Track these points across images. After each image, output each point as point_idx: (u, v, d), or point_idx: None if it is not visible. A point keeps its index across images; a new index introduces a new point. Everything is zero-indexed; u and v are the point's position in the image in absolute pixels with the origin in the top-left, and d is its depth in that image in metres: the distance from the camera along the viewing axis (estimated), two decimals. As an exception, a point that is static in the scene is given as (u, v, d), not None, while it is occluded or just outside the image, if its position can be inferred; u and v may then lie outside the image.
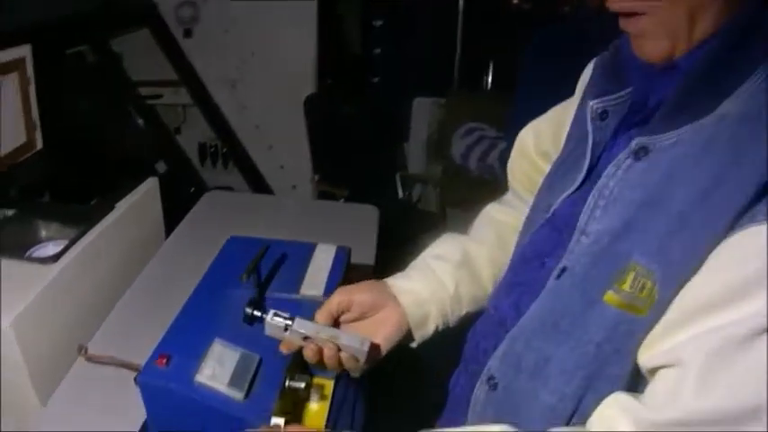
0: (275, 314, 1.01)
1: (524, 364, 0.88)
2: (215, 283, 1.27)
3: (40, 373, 1.38)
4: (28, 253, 1.78)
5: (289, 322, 1.00)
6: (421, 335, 1.08)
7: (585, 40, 1.18)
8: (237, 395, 1.02)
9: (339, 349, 1.00)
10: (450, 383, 1.11)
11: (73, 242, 1.66)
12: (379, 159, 3.51)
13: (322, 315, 1.03)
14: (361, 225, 2.03)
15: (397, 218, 3.04)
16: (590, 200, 0.86)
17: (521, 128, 1.24)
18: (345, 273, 1.33)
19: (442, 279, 1.10)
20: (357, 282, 1.11)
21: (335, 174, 3.29)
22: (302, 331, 1.00)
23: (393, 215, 2.39)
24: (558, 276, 0.87)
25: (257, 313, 1.05)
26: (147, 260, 1.85)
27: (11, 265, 1.48)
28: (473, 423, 0.96)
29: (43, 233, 1.91)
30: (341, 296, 1.05)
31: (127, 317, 1.58)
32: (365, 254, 1.87)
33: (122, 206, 1.89)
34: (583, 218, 0.86)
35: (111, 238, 1.79)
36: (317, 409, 1.19)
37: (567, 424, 0.84)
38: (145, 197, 2.02)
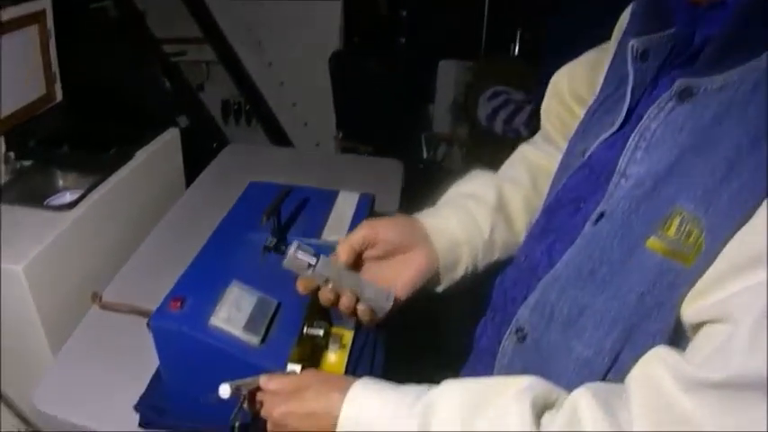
0: (299, 248, 0.91)
1: (557, 315, 0.80)
2: (234, 227, 1.20)
3: (53, 320, 1.34)
4: (45, 202, 1.73)
5: (313, 260, 0.91)
6: (449, 280, 1.02)
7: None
8: (253, 340, 0.95)
9: (357, 299, 0.93)
10: (475, 334, 1.04)
11: (89, 190, 1.62)
12: (403, 119, 3.42)
13: (344, 249, 0.94)
14: (384, 178, 1.96)
15: (421, 177, 2.96)
16: (630, 142, 0.78)
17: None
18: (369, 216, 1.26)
19: (478, 222, 1.02)
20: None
21: (359, 132, 3.22)
22: (325, 273, 0.91)
23: (417, 174, 2.31)
24: (596, 222, 0.79)
25: (281, 245, 1.00)
26: (167, 210, 1.79)
27: (27, 213, 1.44)
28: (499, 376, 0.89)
29: (61, 183, 1.87)
30: (367, 231, 0.96)
31: (144, 265, 1.53)
32: (388, 208, 1.79)
33: (142, 155, 1.85)
34: (622, 160, 0.78)
35: (129, 187, 1.74)
36: (335, 359, 1.12)
37: (602, 380, 0.76)
38: (165, 147, 1.97)
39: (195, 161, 2.08)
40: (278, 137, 3.48)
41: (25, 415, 1.33)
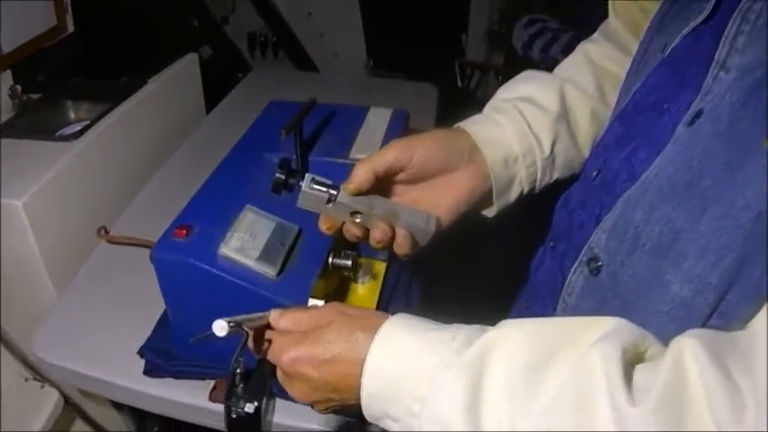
0: (314, 181, 0.71)
1: (644, 241, 0.61)
2: (250, 148, 1.04)
3: (57, 259, 1.20)
4: (56, 135, 1.59)
5: (333, 192, 0.70)
6: (502, 202, 0.78)
7: None
8: (269, 272, 0.80)
9: (392, 229, 0.72)
10: (530, 266, 0.86)
11: (96, 120, 1.47)
12: (436, 47, 3.20)
13: (362, 172, 0.70)
14: (418, 102, 1.77)
15: (455, 106, 2.76)
16: (730, 27, 0.59)
17: (588, 16, 0.96)
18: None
19: (537, 134, 0.78)
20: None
21: (390, 60, 3.01)
22: (351, 204, 0.70)
23: (451, 104, 2.12)
24: (692, 122, 0.60)
25: (290, 179, 0.78)
26: (184, 139, 1.63)
27: (31, 146, 1.30)
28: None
29: (72, 115, 1.73)
30: (399, 151, 0.72)
31: (157, 197, 1.38)
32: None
33: (157, 82, 1.68)
34: (721, 50, 0.59)
35: (141, 116, 1.59)
36: (365, 292, 0.97)
37: (703, 326, 0.57)
38: (183, 73, 1.80)
39: (219, 91, 1.92)
40: (306, 68, 3.29)
41: (29, 361, 1.21)
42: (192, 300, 0.84)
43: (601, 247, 0.64)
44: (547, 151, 0.78)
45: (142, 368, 0.96)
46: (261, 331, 0.61)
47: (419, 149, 0.72)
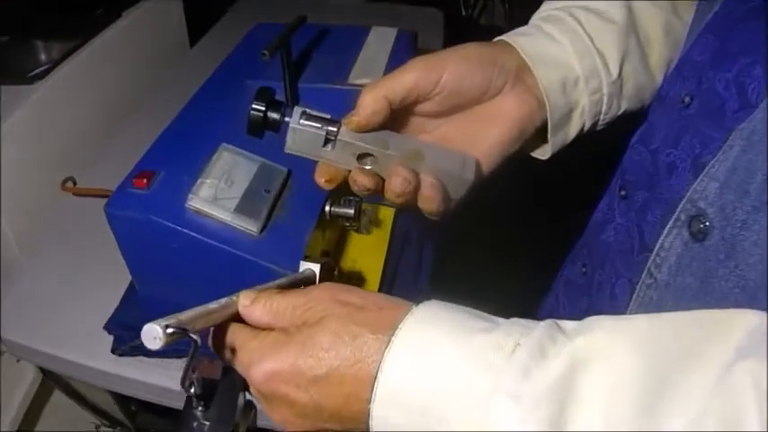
0: (306, 115, 0.52)
1: None
2: (230, 76, 0.85)
3: (19, 215, 1.02)
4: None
5: (332, 128, 0.52)
6: (558, 141, 0.58)
7: None
8: (250, 227, 0.62)
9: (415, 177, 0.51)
10: (590, 223, 0.66)
11: (62, 59, 1.27)
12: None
13: (374, 95, 0.51)
14: (423, 29, 1.55)
15: (459, 36, 2.53)
16: None
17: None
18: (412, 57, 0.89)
19: (602, 50, 0.56)
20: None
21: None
22: (358, 143, 0.51)
23: (455, 33, 1.91)
24: None
25: (272, 114, 0.54)
26: (164, 78, 1.44)
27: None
28: (647, 298, 0.50)
29: (43, 56, 1.51)
30: (420, 71, 0.51)
31: (132, 143, 1.18)
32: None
33: (133, 14, 1.47)
34: None
35: (115, 53, 1.38)
36: (369, 248, 0.79)
37: None
38: (162, 4, 1.58)
39: (204, 22, 1.72)
40: None
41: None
42: (159, 264, 0.67)
43: (709, 199, 0.44)
44: (615, 73, 0.57)
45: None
46: (226, 326, 0.43)
47: (449, 68, 0.51)
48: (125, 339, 0.78)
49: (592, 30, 0.57)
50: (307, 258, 0.60)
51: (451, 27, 1.86)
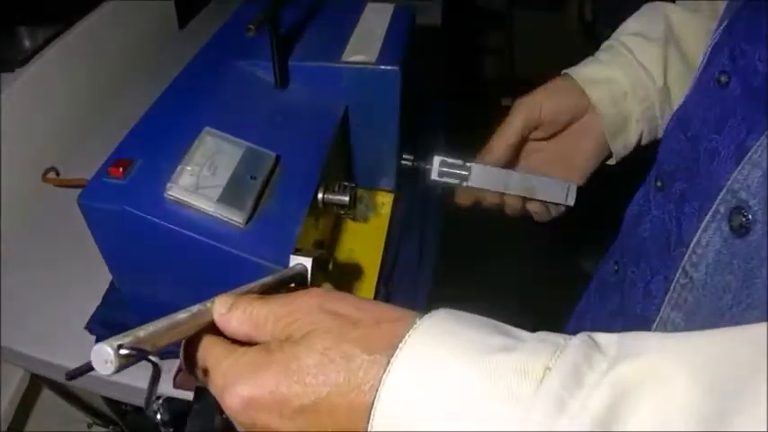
0: (444, 164, 0.67)
1: None
2: (214, 56, 0.78)
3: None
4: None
5: (464, 173, 0.67)
6: (620, 148, 0.68)
7: None
8: (235, 218, 0.56)
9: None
10: (625, 217, 0.61)
11: (46, 44, 1.21)
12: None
13: (499, 147, 0.67)
14: (421, 6, 1.49)
15: (457, 12, 2.45)
16: None
17: None
18: (410, 34, 0.83)
19: (644, 63, 0.66)
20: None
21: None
22: (485, 187, 0.67)
23: (452, 9, 1.83)
24: None
25: (412, 161, 0.72)
26: (152, 62, 1.37)
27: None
28: (681, 299, 0.46)
29: (27, 42, 1.45)
30: (525, 112, 0.66)
31: (118, 131, 1.12)
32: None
33: (118, -4, 1.41)
34: None
35: (102, 36, 1.32)
36: (367, 236, 0.73)
37: None
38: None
39: (194, 3, 1.65)
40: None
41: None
42: (138, 259, 0.61)
43: (752, 189, 0.39)
44: (660, 81, 0.66)
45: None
46: (200, 338, 0.37)
47: (546, 102, 0.67)
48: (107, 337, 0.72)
49: (635, 49, 0.67)
50: (298, 251, 0.54)
51: (449, 4, 1.79)
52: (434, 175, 0.67)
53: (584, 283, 0.69)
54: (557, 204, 0.70)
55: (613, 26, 0.72)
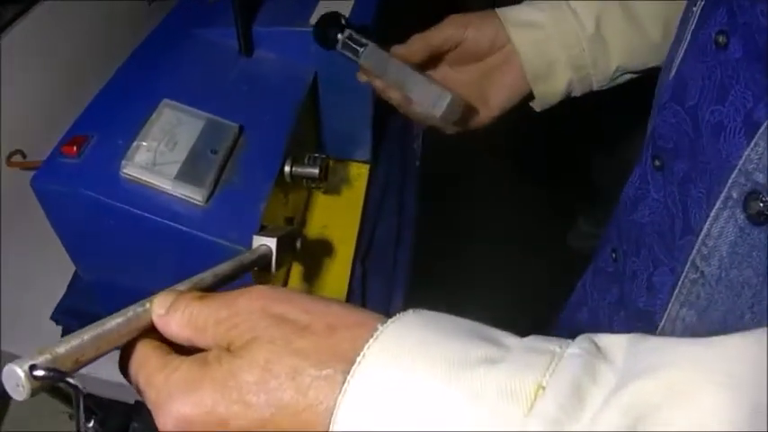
0: (350, 37, 0.63)
1: None
2: (175, 27, 0.74)
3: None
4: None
5: (359, 48, 0.63)
6: (544, 93, 0.66)
7: None
8: (195, 196, 0.52)
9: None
10: (620, 200, 0.56)
11: (10, 23, 1.15)
12: None
13: (418, 47, 0.63)
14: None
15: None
16: None
17: None
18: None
19: (574, 7, 0.63)
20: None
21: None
22: (368, 63, 0.63)
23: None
24: None
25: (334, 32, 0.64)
26: (123, 37, 1.32)
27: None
28: (693, 295, 0.41)
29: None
30: (452, 28, 0.64)
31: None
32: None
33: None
34: None
35: (68, 12, 1.26)
36: (341, 211, 0.70)
37: None
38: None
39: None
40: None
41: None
42: (96, 243, 0.57)
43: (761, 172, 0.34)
44: (590, 29, 0.62)
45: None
46: (135, 343, 0.32)
47: (473, 24, 0.64)
48: (74, 329, 0.69)
49: None
50: (263, 230, 0.51)
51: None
52: (339, 47, 0.63)
53: (571, 258, 0.66)
54: (427, 118, 0.65)
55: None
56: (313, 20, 0.70)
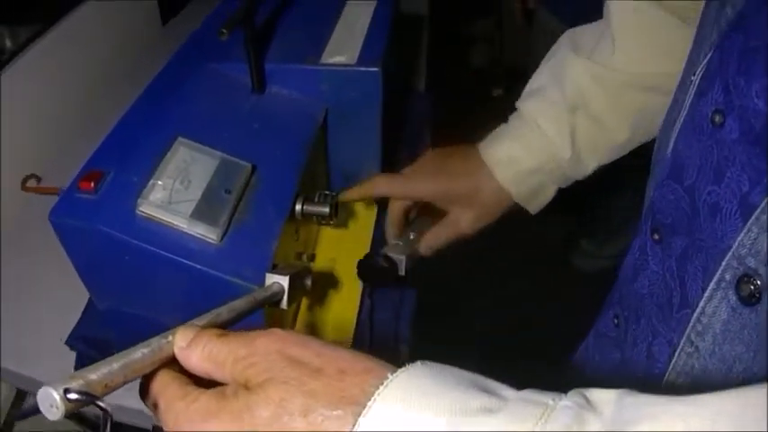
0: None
1: None
2: (189, 59, 0.76)
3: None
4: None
5: (402, 257, 0.68)
6: (537, 205, 0.71)
7: None
8: (209, 235, 0.54)
9: None
10: (622, 267, 0.56)
11: (26, 44, 1.18)
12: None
13: (393, 229, 0.71)
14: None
15: (446, 4, 2.42)
16: None
17: None
18: (391, 31, 0.80)
19: (550, 136, 0.66)
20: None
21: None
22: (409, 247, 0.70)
23: (442, 2, 1.80)
24: None
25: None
26: (137, 61, 1.34)
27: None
28: (688, 366, 0.43)
29: (8, 43, 1.41)
30: (400, 203, 0.70)
31: (104, 134, 1.09)
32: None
33: (99, -6, 1.37)
34: None
35: (84, 35, 1.29)
36: (351, 244, 0.71)
37: None
38: (131, -19, 1.48)
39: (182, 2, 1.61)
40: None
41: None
42: (112, 276, 0.59)
43: (761, 256, 0.36)
44: (567, 153, 0.65)
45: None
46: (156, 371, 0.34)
47: (422, 186, 0.69)
48: (90, 355, 0.70)
49: (542, 122, 0.66)
50: (275, 267, 0.52)
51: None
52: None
53: (577, 282, 0.68)
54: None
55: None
56: (325, 57, 0.73)
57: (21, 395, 1.02)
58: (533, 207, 0.70)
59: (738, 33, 0.39)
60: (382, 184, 0.69)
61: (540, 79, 0.69)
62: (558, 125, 0.65)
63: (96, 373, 0.30)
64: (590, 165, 0.67)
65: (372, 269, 0.68)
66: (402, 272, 0.69)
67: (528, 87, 0.70)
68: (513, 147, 0.67)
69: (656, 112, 0.61)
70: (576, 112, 0.65)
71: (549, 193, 0.69)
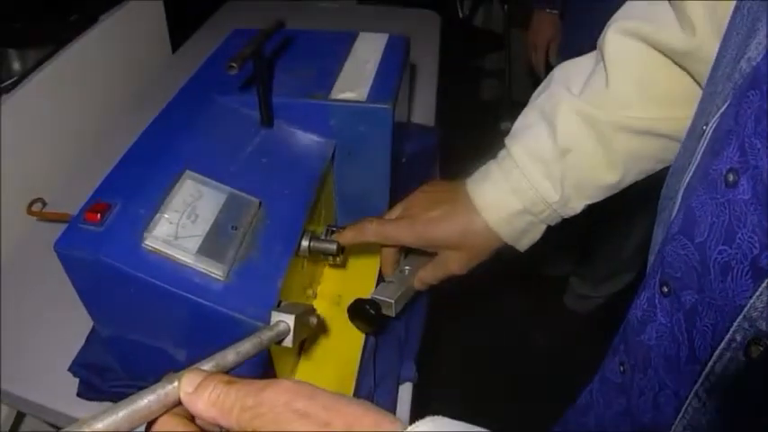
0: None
1: None
2: (198, 91, 0.76)
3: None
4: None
5: (391, 300, 0.68)
6: (526, 244, 0.70)
7: None
8: (215, 271, 0.54)
9: None
10: (627, 317, 0.55)
11: (35, 67, 1.19)
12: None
13: (386, 268, 0.73)
14: (419, 32, 1.47)
15: (457, 39, 2.45)
16: None
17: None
18: (404, 68, 0.81)
19: (536, 185, 0.65)
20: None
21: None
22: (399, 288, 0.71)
23: (453, 36, 1.83)
24: None
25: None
26: (143, 88, 1.36)
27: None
28: (695, 420, 0.43)
29: (17, 65, 1.43)
30: (392, 250, 0.72)
31: (109, 160, 1.10)
32: (425, 60, 1.34)
33: (110, 19, 1.39)
34: None
35: (92, 59, 1.30)
36: (357, 281, 0.71)
37: None
38: (142, 7, 1.50)
39: (187, 26, 1.63)
40: None
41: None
42: (117, 308, 0.59)
43: None
44: (556, 196, 0.65)
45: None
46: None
47: (404, 239, 0.68)
48: (92, 382, 0.70)
49: (528, 171, 0.65)
50: (280, 305, 0.52)
51: (450, 32, 1.78)
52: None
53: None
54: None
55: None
56: (335, 93, 0.73)
57: (20, 417, 1.02)
58: (522, 246, 0.69)
59: (756, 91, 0.39)
60: (370, 233, 0.68)
61: (530, 116, 0.68)
62: (546, 168, 0.64)
63: (103, 423, 0.30)
64: (578, 205, 0.66)
65: (361, 315, 0.67)
66: (393, 314, 0.68)
67: (518, 123, 0.69)
68: (501, 188, 0.67)
69: (650, 155, 0.62)
70: (566, 156, 0.64)
71: (537, 232, 0.69)
